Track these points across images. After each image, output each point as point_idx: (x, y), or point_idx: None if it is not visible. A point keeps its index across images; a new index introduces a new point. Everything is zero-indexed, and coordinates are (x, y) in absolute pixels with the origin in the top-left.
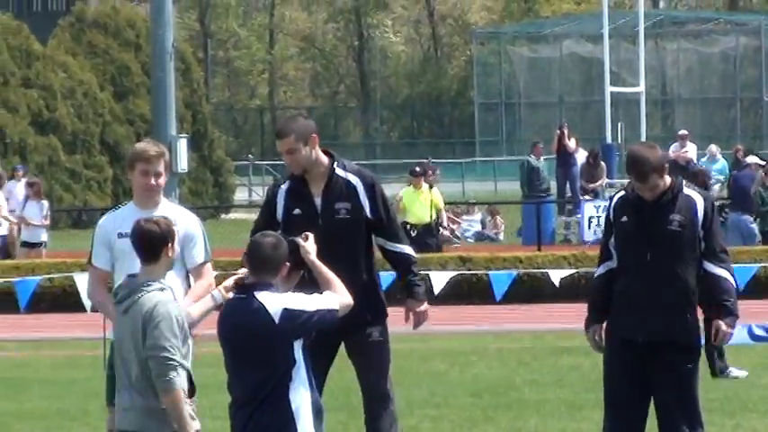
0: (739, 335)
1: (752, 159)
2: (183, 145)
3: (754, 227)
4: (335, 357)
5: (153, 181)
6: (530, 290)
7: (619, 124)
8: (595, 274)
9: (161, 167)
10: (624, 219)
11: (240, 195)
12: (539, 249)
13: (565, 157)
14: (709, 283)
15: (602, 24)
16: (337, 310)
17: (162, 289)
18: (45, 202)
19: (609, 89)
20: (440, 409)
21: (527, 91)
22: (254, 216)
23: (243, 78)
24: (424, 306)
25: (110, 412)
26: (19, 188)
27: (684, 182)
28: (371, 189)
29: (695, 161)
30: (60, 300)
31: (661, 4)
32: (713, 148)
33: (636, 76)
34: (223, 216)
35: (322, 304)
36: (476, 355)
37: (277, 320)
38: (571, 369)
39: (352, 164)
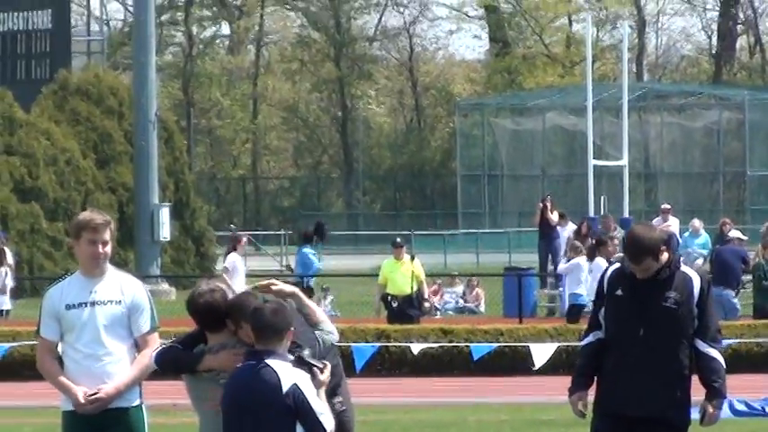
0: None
1: (734, 234)
2: (165, 213)
3: (736, 302)
4: None
5: (101, 249)
6: (511, 362)
7: (602, 197)
8: (583, 342)
9: (107, 236)
10: (619, 292)
11: (222, 265)
12: (520, 322)
13: (547, 230)
14: (699, 362)
15: (586, 97)
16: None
17: None
18: (4, 269)
19: (592, 162)
20: None
21: (510, 163)
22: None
23: (226, 147)
24: None
25: None
26: None
27: (682, 259)
28: None
29: (678, 235)
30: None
31: (645, 77)
32: (696, 222)
33: (619, 150)
34: None
35: (324, 418)
36: (455, 427)
37: (284, 391)
38: None
39: None
